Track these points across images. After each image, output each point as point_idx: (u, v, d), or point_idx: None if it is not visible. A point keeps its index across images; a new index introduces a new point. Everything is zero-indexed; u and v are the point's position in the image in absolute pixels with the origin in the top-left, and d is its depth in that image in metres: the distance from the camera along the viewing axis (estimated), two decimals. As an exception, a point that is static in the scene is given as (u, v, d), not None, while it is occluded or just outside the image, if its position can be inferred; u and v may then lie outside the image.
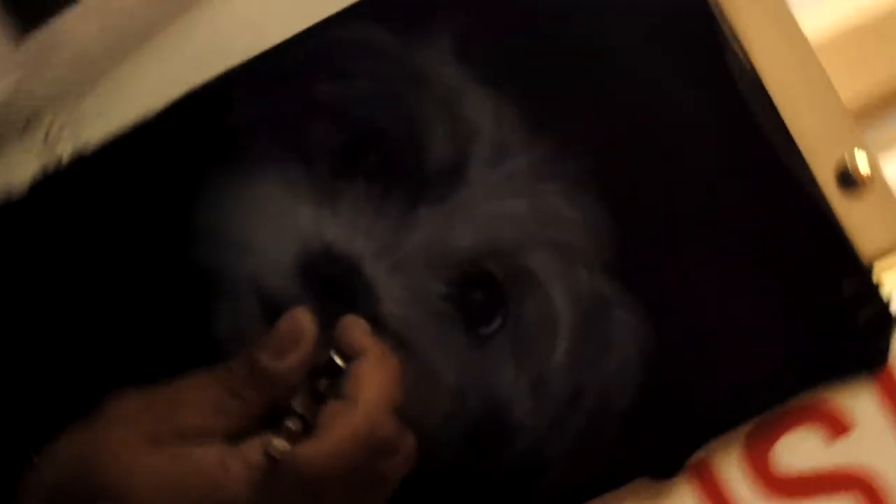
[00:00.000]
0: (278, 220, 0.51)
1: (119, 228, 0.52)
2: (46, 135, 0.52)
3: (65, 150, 0.52)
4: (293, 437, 0.44)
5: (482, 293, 0.52)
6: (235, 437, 0.45)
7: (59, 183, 0.52)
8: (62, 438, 0.45)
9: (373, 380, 0.45)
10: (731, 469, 0.54)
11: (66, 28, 0.52)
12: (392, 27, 0.53)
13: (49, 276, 0.53)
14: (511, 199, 0.51)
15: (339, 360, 0.46)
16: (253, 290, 0.51)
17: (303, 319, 0.46)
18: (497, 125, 0.51)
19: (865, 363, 0.53)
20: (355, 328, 0.47)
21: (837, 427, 0.54)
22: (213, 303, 0.51)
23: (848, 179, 0.52)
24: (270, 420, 0.45)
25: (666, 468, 0.53)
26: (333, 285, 0.49)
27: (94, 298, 0.52)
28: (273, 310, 0.47)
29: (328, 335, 0.47)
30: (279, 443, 0.44)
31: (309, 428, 0.44)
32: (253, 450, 0.44)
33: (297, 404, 0.45)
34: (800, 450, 0.54)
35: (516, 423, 0.52)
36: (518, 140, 0.51)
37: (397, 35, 0.53)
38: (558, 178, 0.52)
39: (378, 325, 0.49)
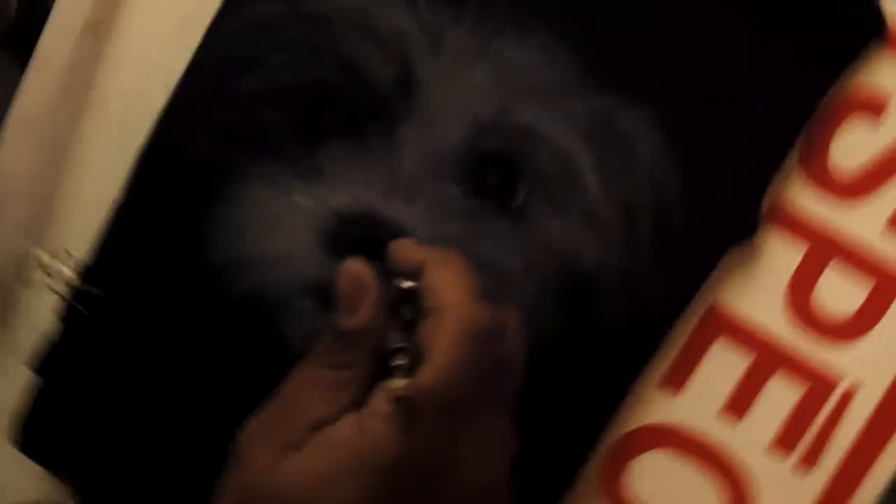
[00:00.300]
0: (283, 218, 0.51)
1: (157, 307, 0.53)
2: (44, 268, 0.52)
3: (68, 269, 0.52)
4: (409, 372, 0.44)
5: (496, 172, 0.51)
6: (360, 404, 0.44)
7: (84, 301, 0.52)
8: (218, 496, 0.45)
9: (445, 280, 0.44)
10: (798, 190, 0.54)
11: (2, 166, 0.52)
12: None
13: (125, 372, 0.53)
14: (470, 72, 0.51)
15: (407, 283, 0.45)
16: (298, 291, 0.50)
17: (354, 268, 0.46)
18: (419, 19, 0.51)
19: (870, 33, 0.53)
20: (404, 247, 0.47)
21: (876, 108, 0.54)
22: (273, 323, 0.51)
23: None
24: (381, 373, 0.45)
25: (745, 229, 0.53)
26: (366, 243, 0.48)
27: (178, 375, 0.53)
28: (326, 296, 0.47)
29: (387, 274, 0.46)
30: (398, 382, 0.43)
31: (417, 357, 0.44)
32: (379, 402, 0.43)
33: (395, 342, 0.45)
34: (851, 144, 0.54)
35: (596, 267, 0.51)
36: (446, 20, 0.51)
37: None
38: (501, 32, 0.51)
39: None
